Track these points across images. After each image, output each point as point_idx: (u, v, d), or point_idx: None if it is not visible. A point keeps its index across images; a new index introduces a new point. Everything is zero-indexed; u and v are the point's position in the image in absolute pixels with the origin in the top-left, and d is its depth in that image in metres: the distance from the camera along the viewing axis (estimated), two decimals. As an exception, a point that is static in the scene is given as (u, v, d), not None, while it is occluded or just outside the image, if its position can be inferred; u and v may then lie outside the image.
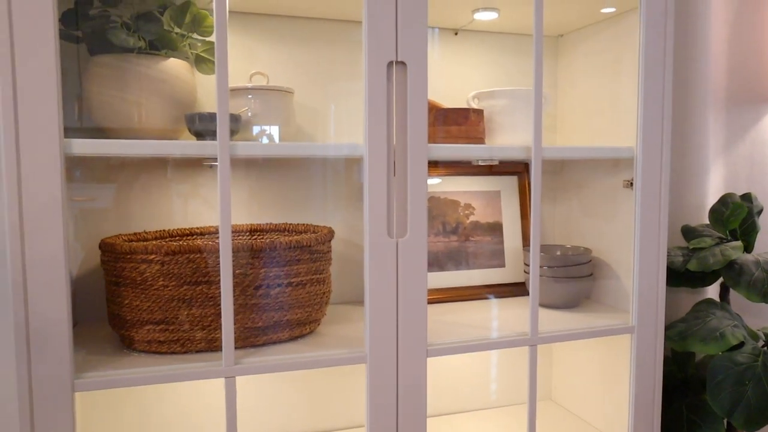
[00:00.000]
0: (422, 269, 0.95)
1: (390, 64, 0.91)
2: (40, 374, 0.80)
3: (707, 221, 1.44)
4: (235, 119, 1.00)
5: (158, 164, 1.13)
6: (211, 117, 0.97)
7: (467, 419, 1.32)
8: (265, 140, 1.05)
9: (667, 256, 1.32)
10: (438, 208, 1.30)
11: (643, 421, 1.13)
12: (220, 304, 0.91)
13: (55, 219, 0.80)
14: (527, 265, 1.25)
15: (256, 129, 1.04)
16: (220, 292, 0.90)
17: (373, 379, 0.94)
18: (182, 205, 1.14)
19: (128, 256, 0.89)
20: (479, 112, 1.12)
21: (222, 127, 0.85)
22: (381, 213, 0.92)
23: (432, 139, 1.09)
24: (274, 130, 1.06)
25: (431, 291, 1.27)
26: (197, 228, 1.11)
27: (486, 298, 1.31)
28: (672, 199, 1.48)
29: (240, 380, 1.19)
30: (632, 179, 1.13)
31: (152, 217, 1.13)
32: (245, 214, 1.18)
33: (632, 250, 1.11)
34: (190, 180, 1.15)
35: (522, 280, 1.35)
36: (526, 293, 1.33)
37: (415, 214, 0.94)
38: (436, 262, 1.28)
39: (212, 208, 1.16)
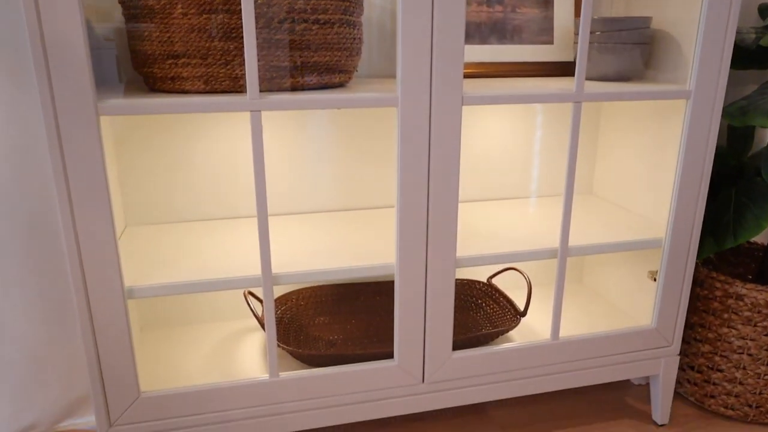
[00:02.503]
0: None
1: None
2: (62, 95, 0.79)
3: (788, -1, 1.28)
4: None
5: None
6: None
7: (503, 206, 1.30)
8: None
9: (738, 33, 1.19)
10: (482, -26, 1.18)
11: (688, 200, 1.08)
12: (242, 37, 0.86)
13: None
14: (578, 35, 1.15)
15: None
16: (242, 23, 0.84)
17: (405, 124, 0.90)
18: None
19: (145, -17, 0.84)
20: None
21: None
22: (416, -67, 0.82)
23: None
24: None
25: (470, 65, 1.19)
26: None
27: (530, 76, 1.22)
28: (750, -24, 1.31)
29: (268, 153, 1.17)
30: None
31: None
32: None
33: (700, 10, 0.99)
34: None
35: (571, 59, 1.25)
36: (574, 73, 1.24)
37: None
38: (477, 34, 1.19)
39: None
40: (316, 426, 1.02)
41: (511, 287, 1.40)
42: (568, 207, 1.02)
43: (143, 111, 0.82)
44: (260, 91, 0.89)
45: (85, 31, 0.77)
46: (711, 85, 1.02)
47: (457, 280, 1.30)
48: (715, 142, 1.06)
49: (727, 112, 1.10)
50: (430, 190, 0.94)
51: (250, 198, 1.20)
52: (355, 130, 1.20)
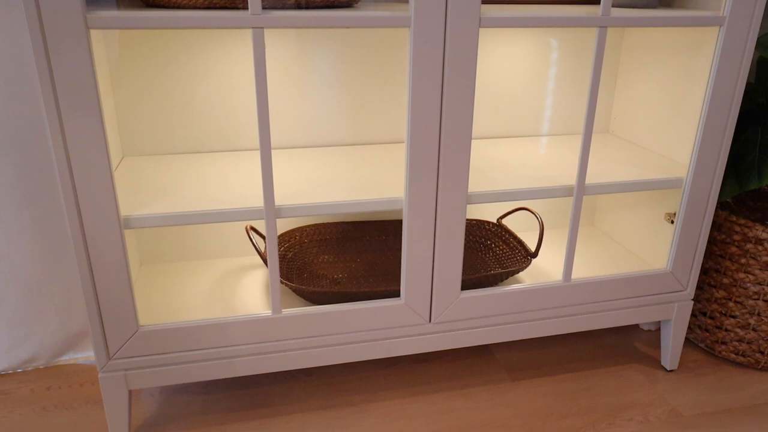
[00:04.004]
0: None
1: None
2: (49, 6, 0.72)
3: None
4: None
5: None
6: None
7: (516, 144, 1.24)
8: None
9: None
10: None
11: (713, 138, 1.02)
12: (243, -54, 0.79)
13: None
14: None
15: None
16: (242, -71, 0.77)
17: (418, 47, 0.84)
18: None
19: None
20: None
21: None
22: None
23: None
24: None
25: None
26: None
27: (550, 2, 1.14)
28: None
29: (271, 84, 1.11)
30: None
31: None
32: None
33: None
34: None
35: (594, -14, 1.17)
36: (597, 0, 1.16)
37: None
38: (495, -44, 1.11)
39: None
40: (319, 364, 1.00)
41: (522, 229, 1.36)
42: (588, 137, 0.97)
43: (135, 24, 0.76)
44: (263, 8, 0.82)
45: (70, -68, 0.71)
46: (747, 11, 0.95)
47: (466, 220, 1.26)
48: (747, 74, 0.99)
49: (760, 43, 1.04)
50: (443, 119, 0.88)
51: (252, 130, 1.14)
52: (364, 61, 1.14)
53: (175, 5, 0.82)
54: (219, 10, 0.81)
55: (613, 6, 1.06)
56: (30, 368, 1.18)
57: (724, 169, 1.05)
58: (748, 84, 1.18)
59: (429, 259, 0.97)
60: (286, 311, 0.96)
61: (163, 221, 0.87)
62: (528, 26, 0.87)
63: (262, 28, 0.79)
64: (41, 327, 1.16)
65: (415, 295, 0.99)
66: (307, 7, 0.86)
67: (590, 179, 1.03)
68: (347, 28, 0.89)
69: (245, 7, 0.83)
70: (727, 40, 0.96)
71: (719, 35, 0.96)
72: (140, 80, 1.06)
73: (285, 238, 1.17)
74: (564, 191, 1.01)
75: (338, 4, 0.89)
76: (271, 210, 0.88)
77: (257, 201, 0.91)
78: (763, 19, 1.27)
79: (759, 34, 1.25)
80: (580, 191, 1.00)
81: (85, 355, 1.20)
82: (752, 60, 1.26)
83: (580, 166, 0.98)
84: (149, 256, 1.18)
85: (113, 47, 1.03)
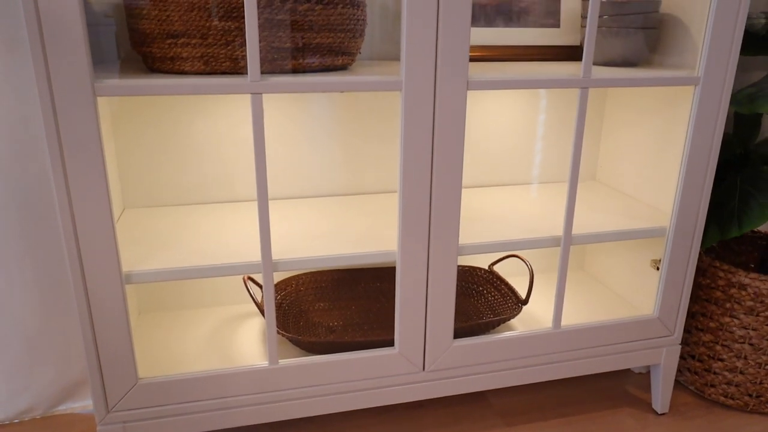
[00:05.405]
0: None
1: None
2: (58, 75, 0.76)
3: (799, -15, 1.26)
4: None
5: None
6: None
7: (505, 192, 1.28)
8: None
9: (748, 19, 1.17)
10: (488, -45, 1.15)
11: (693, 188, 1.07)
12: (243, 17, 0.83)
13: None
14: (584, 18, 1.13)
15: None
16: (243, 2, 0.82)
17: (409, 109, 0.88)
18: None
19: (143, -40, 0.81)
20: None
21: None
22: None
23: None
24: None
25: (475, 48, 1.16)
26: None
27: (535, 59, 1.20)
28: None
29: (269, 136, 1.15)
30: None
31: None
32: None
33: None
34: None
35: (577, 43, 1.22)
36: (580, 57, 1.22)
37: None
38: (483, 16, 1.16)
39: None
40: (315, 413, 1.02)
41: (513, 274, 1.39)
42: (572, 197, 1.01)
43: (141, 92, 0.80)
44: (261, 72, 0.87)
45: (83, 9, 0.75)
46: (720, 72, 1.00)
47: (458, 266, 1.29)
48: (723, 130, 1.04)
49: (735, 99, 1.09)
50: (433, 177, 0.92)
51: (250, 181, 1.18)
52: (358, 114, 1.18)
53: (179, 71, 0.87)
54: (220, 76, 0.85)
55: (606, 63, 1.11)
56: (27, 418, 1.18)
57: (705, 218, 1.09)
58: (726, 135, 1.23)
59: (422, 310, 1.00)
60: (283, 362, 0.98)
61: (163, 276, 0.90)
62: (513, 88, 0.92)
63: (261, 93, 0.83)
64: (39, 377, 1.17)
65: (409, 344, 1.02)
66: (305, 72, 0.90)
67: (577, 229, 1.07)
68: (342, 92, 0.94)
69: (245, 71, 0.87)
70: (703, 98, 1.01)
71: (695, 93, 1.01)
72: (141, 132, 1.10)
73: (281, 287, 1.20)
74: (552, 241, 1.04)
75: (333, 67, 0.93)
76: (268, 267, 0.91)
77: (255, 253, 0.94)
78: (738, 74, 1.33)
79: (733, 90, 1.31)
80: (566, 243, 1.04)
81: (82, 404, 1.21)
82: (730, 113, 1.31)
83: (566, 220, 1.02)
84: (148, 305, 1.20)
85: (116, 100, 1.07)
